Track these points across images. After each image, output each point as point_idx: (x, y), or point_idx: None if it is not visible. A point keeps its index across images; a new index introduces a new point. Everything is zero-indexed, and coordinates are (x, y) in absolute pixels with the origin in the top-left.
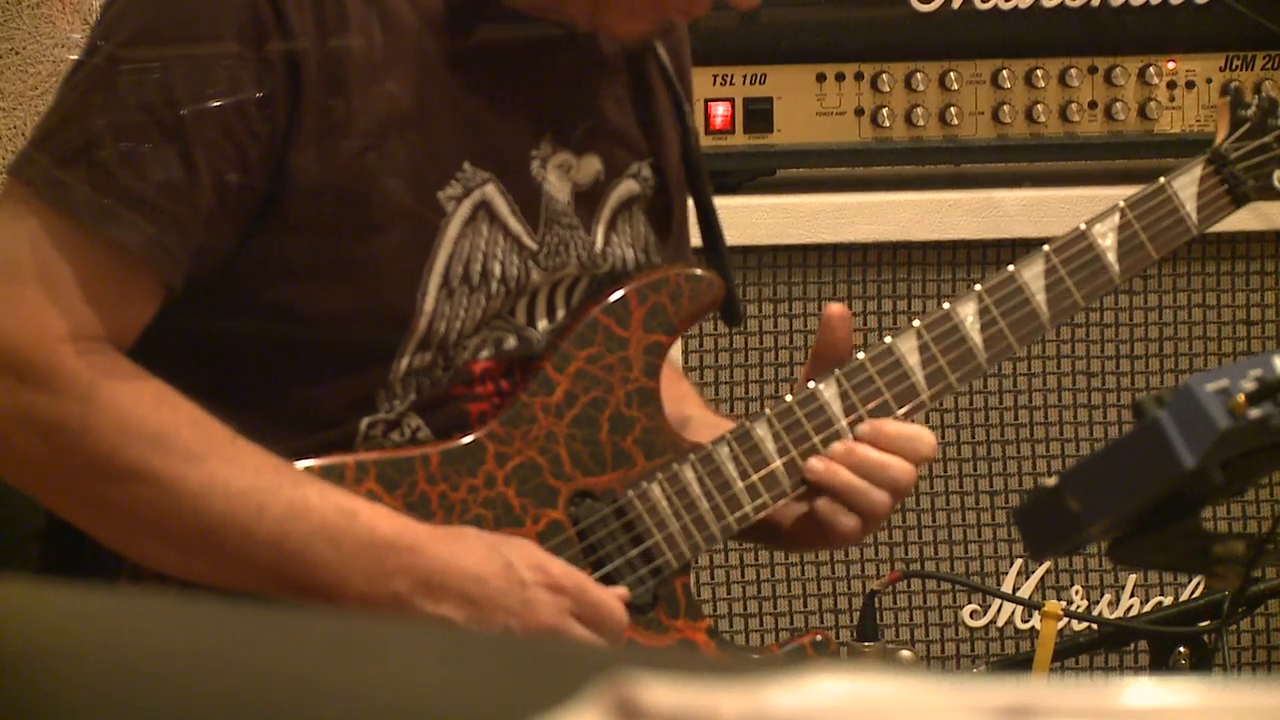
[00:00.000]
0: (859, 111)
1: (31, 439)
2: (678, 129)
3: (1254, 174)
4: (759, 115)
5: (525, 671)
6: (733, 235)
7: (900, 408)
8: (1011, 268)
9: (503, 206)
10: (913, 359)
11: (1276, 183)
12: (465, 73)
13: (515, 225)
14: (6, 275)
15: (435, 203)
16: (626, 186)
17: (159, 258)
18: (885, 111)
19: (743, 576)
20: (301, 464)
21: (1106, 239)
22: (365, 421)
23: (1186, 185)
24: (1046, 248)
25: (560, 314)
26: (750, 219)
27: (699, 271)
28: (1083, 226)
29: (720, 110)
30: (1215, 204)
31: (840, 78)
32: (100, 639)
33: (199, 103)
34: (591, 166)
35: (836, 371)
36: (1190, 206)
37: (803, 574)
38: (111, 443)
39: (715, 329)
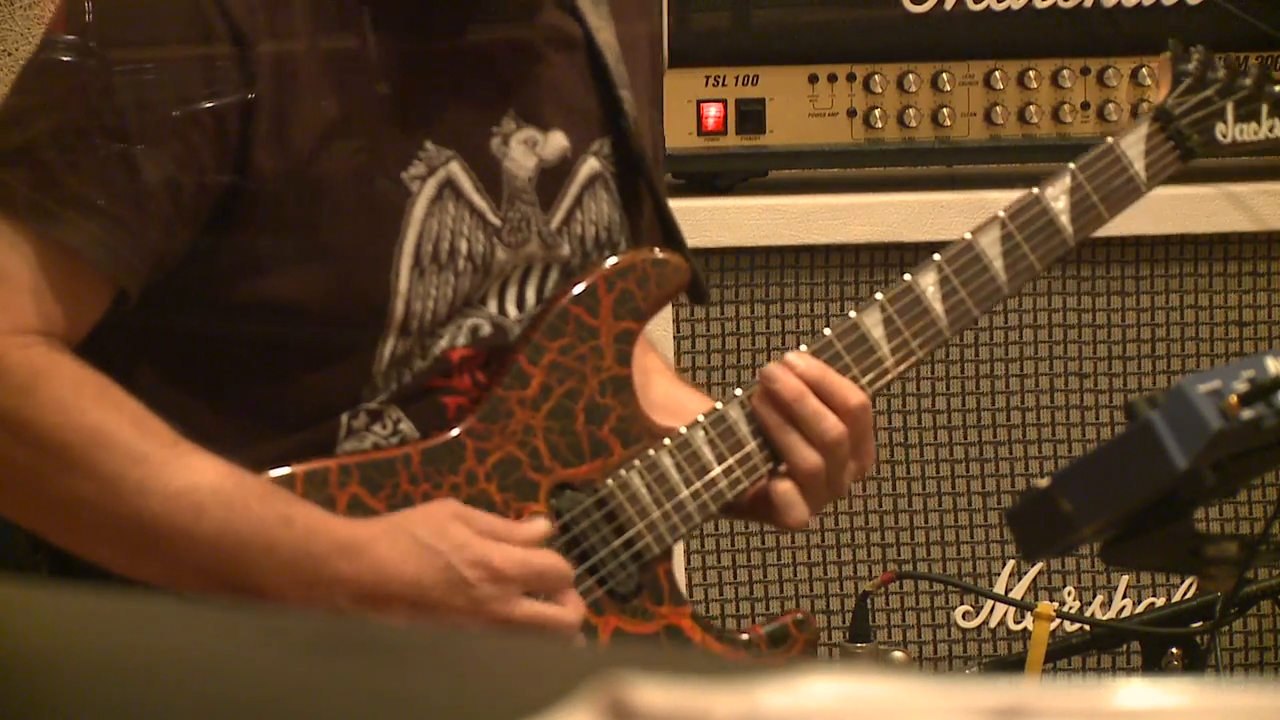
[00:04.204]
0: (851, 113)
1: None
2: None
3: (1198, 129)
4: (751, 116)
5: (518, 673)
6: (725, 236)
7: (868, 380)
8: (969, 235)
9: (467, 184)
10: (877, 332)
11: (1220, 136)
12: (421, 52)
13: (480, 202)
14: None
15: (400, 183)
16: (591, 164)
17: (104, 259)
18: (878, 113)
19: (735, 578)
20: (284, 471)
21: (1059, 201)
22: (346, 415)
23: (1134, 144)
24: (1001, 213)
25: (530, 303)
26: (742, 220)
27: (663, 256)
28: (1035, 191)
29: (713, 111)
30: (1163, 160)
31: (833, 79)
32: (98, 641)
33: (145, 103)
34: (558, 143)
35: (804, 347)
36: (1139, 165)
37: (795, 575)
38: (50, 438)
39: (708, 330)
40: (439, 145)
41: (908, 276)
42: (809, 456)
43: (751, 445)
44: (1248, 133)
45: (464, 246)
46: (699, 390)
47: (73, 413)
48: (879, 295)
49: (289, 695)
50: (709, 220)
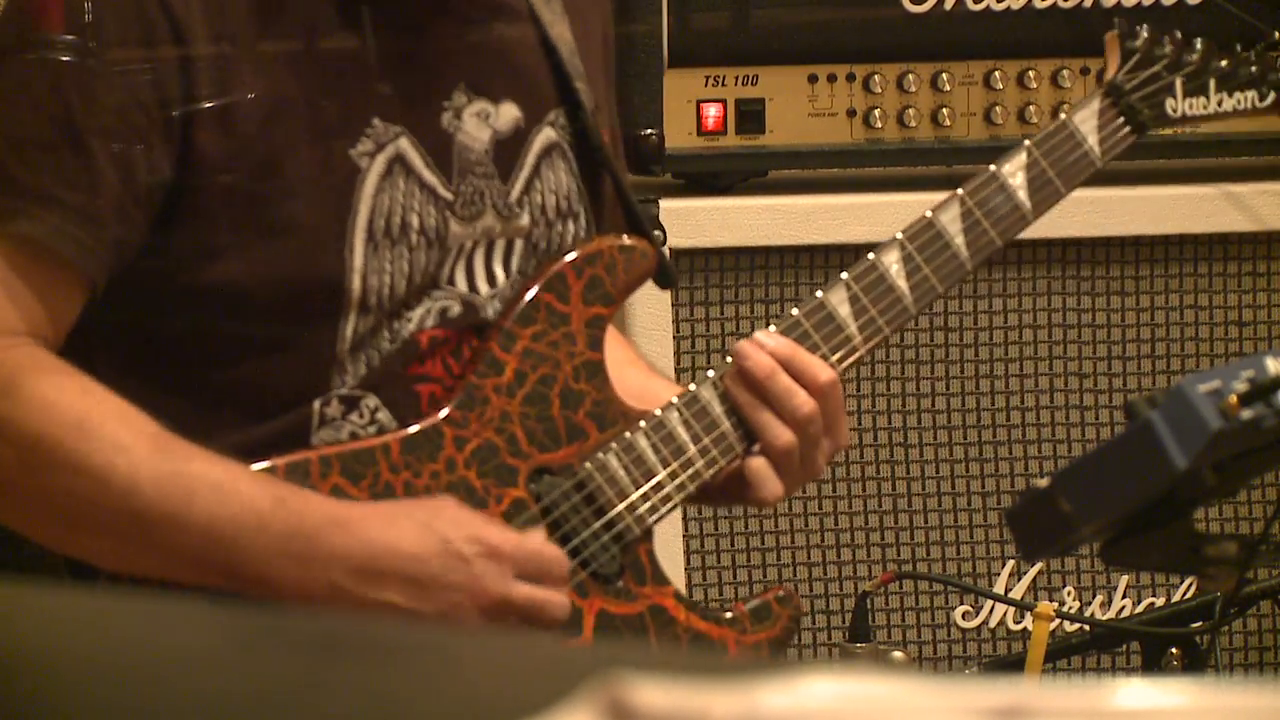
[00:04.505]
0: (851, 113)
1: None
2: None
3: (1149, 103)
4: (751, 116)
5: (518, 673)
6: (725, 236)
7: (837, 357)
8: (929, 213)
9: (416, 159)
10: (844, 310)
11: (1170, 110)
12: (367, 30)
13: (430, 177)
14: None
15: (348, 161)
16: (546, 134)
17: (70, 249)
18: (877, 113)
19: (735, 578)
20: (264, 464)
21: (1016, 178)
22: (318, 402)
23: (1087, 119)
24: (960, 190)
25: (500, 277)
26: (742, 220)
27: (630, 242)
28: (992, 168)
29: (712, 111)
30: (1115, 135)
31: (832, 79)
32: (98, 641)
33: (92, 96)
34: (510, 114)
35: (773, 327)
36: (1092, 140)
37: (795, 575)
38: (36, 434)
39: (707, 330)
40: (387, 122)
41: (871, 255)
42: (782, 433)
43: (726, 425)
44: (1197, 107)
45: (416, 221)
46: (672, 381)
47: (56, 408)
48: (844, 274)
49: (288, 695)
50: (709, 220)
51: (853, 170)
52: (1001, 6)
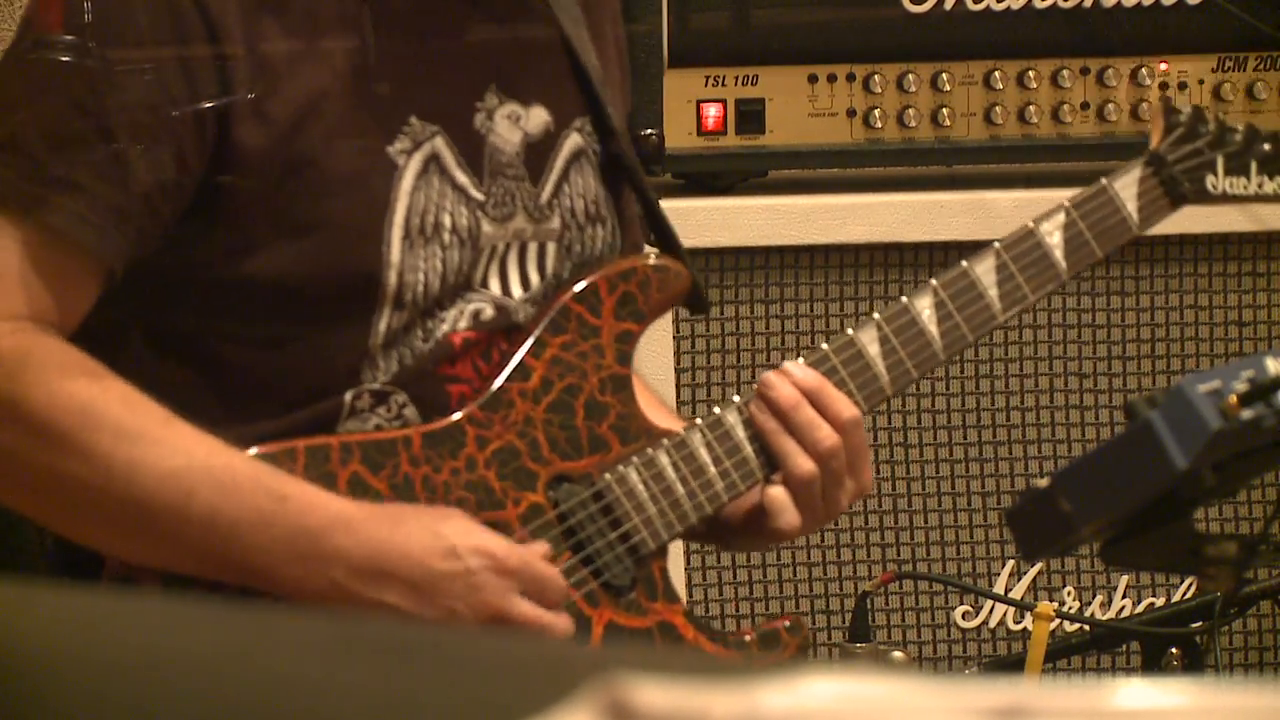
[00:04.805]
0: (851, 113)
1: None
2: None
3: (1189, 176)
4: (751, 116)
5: (518, 673)
6: (725, 236)
7: (863, 396)
8: (965, 263)
9: (450, 159)
10: (873, 349)
11: (1210, 187)
12: (404, 29)
13: (462, 177)
14: None
15: (386, 158)
16: (574, 139)
17: (92, 238)
18: (877, 113)
19: (735, 578)
20: (286, 445)
21: (1053, 237)
22: (349, 394)
23: (1127, 185)
24: (997, 244)
25: (534, 281)
26: (742, 220)
27: (664, 262)
28: (1030, 224)
29: (712, 111)
30: (1154, 204)
31: (832, 79)
32: (98, 641)
33: (124, 91)
34: (540, 117)
35: (801, 359)
36: (1131, 207)
37: (795, 575)
38: (39, 418)
39: (707, 330)
40: (424, 120)
41: (904, 298)
42: (803, 464)
43: (748, 450)
44: (1237, 186)
45: (448, 221)
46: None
47: (61, 393)
48: (875, 315)
49: (289, 695)
50: (709, 220)
51: (853, 170)
52: (1001, 6)
